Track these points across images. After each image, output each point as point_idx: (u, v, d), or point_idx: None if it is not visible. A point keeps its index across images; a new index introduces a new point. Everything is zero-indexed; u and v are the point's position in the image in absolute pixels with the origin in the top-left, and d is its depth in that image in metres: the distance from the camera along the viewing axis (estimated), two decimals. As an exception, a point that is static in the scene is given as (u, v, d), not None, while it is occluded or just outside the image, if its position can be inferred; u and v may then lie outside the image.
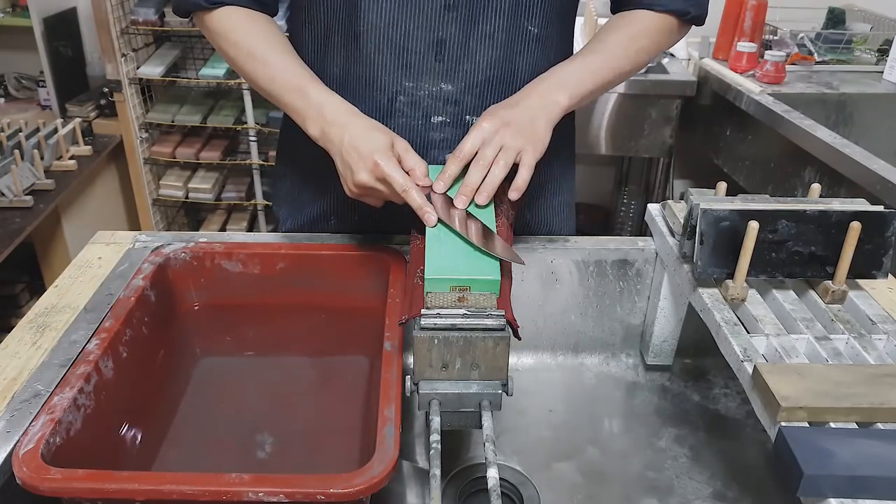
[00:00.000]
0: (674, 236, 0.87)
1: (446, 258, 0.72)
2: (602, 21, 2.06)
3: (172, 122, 2.49)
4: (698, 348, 1.00)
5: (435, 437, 0.64)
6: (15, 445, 0.62)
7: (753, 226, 0.72)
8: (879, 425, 0.59)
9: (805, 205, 0.76)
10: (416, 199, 0.77)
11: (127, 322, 0.78)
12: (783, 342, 0.69)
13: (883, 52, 2.16)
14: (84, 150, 2.33)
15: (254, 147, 2.48)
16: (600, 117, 2.11)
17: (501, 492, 0.61)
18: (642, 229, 2.51)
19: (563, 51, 0.96)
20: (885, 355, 0.68)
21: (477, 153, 0.80)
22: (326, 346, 0.91)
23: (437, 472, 0.60)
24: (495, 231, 0.76)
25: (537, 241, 0.98)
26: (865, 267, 0.76)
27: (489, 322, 0.65)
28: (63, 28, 2.56)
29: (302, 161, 1.02)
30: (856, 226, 0.73)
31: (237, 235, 0.98)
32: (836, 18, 2.27)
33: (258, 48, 0.87)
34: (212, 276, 0.91)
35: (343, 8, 0.88)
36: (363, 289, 0.91)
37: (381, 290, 0.85)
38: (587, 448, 0.88)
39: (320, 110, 0.82)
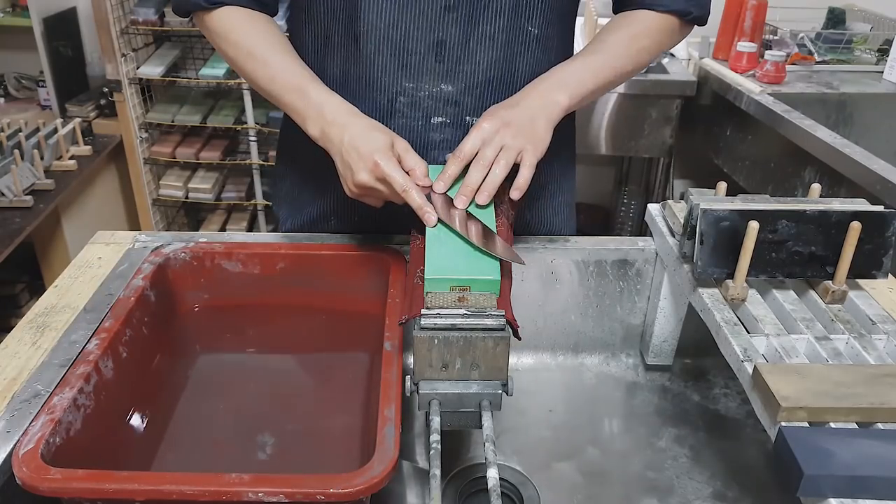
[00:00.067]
0: (674, 236, 0.87)
1: (446, 258, 0.72)
2: (602, 21, 2.06)
3: (172, 122, 2.49)
4: (698, 348, 0.99)
5: (435, 437, 0.64)
6: (15, 445, 0.62)
7: (753, 226, 0.72)
8: (879, 425, 0.59)
9: (805, 205, 0.76)
10: (416, 199, 0.77)
11: (127, 322, 0.78)
12: (783, 342, 0.69)
13: (883, 52, 2.16)
14: (84, 150, 2.33)
15: (254, 147, 2.48)
16: (600, 117, 2.11)
17: (501, 492, 0.61)
18: (642, 229, 2.51)
19: (564, 51, 0.96)
20: (885, 355, 0.68)
21: (477, 153, 0.80)
22: (326, 346, 0.91)
23: (437, 472, 0.60)
24: (495, 231, 0.76)
25: (537, 241, 0.98)
26: (865, 267, 0.76)
27: (489, 322, 0.65)
28: (63, 28, 2.56)
29: (302, 161, 1.02)
30: (856, 226, 0.73)
31: (237, 235, 0.98)
32: (836, 18, 2.27)
33: (258, 48, 0.87)
34: (212, 276, 0.91)
35: (343, 9, 0.88)
36: (363, 289, 0.91)
37: (381, 290, 0.85)
38: (587, 448, 0.88)
39: (320, 110, 0.82)
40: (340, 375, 0.86)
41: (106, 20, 2.30)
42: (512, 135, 0.79)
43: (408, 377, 0.68)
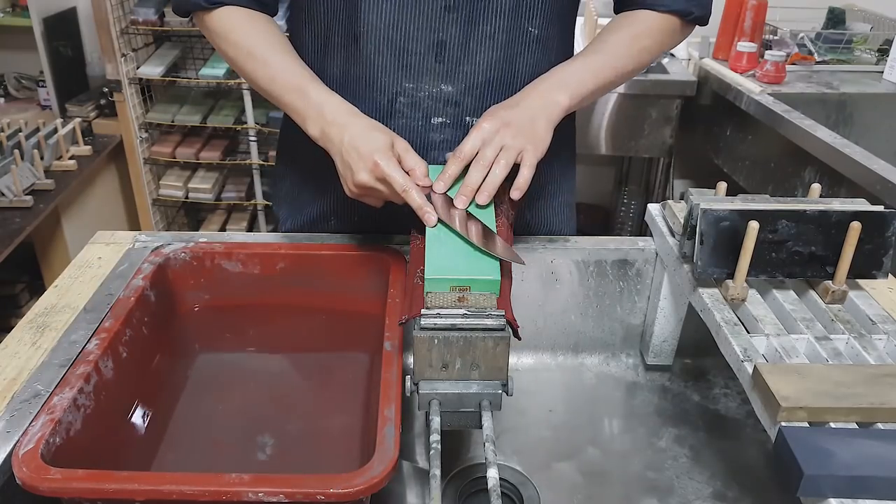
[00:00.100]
0: (674, 236, 0.87)
1: (446, 258, 0.72)
2: (602, 21, 2.06)
3: (172, 122, 2.49)
4: (698, 348, 0.99)
5: (435, 437, 0.64)
6: (15, 445, 0.62)
7: (753, 226, 0.72)
8: (879, 425, 0.59)
9: (805, 205, 0.76)
10: (416, 199, 0.76)
11: (127, 322, 0.78)
12: (783, 342, 0.69)
13: (883, 52, 2.16)
14: (84, 150, 2.33)
15: (254, 147, 2.48)
16: (600, 117, 2.11)
17: (501, 492, 0.61)
18: (642, 229, 2.51)
19: (564, 52, 0.96)
20: (885, 355, 0.68)
21: (477, 153, 0.80)
22: (326, 346, 0.91)
23: (437, 472, 0.60)
24: (495, 231, 0.76)
25: (537, 241, 0.98)
26: (865, 267, 0.76)
27: (489, 322, 0.65)
28: (63, 28, 2.56)
29: (302, 161, 1.02)
30: (856, 226, 0.73)
31: (237, 235, 0.98)
32: (836, 18, 2.27)
33: (258, 48, 0.87)
34: (212, 276, 0.91)
35: (343, 9, 0.88)
36: (363, 289, 0.91)
37: (381, 290, 0.85)
38: (587, 448, 0.88)
39: (320, 110, 0.82)
40: (340, 375, 0.86)
41: (106, 20, 2.30)
42: (512, 135, 0.79)
43: (408, 377, 0.68)
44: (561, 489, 0.83)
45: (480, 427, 0.66)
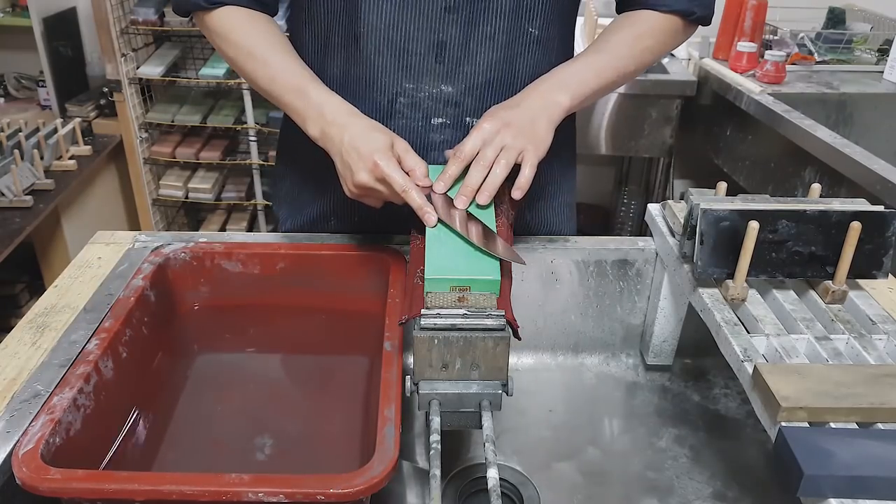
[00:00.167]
0: (674, 236, 0.87)
1: (446, 258, 0.72)
2: (602, 21, 2.06)
3: (172, 121, 2.49)
4: (698, 348, 0.99)
5: (435, 437, 0.64)
6: (14, 445, 0.62)
7: (753, 226, 0.72)
8: (879, 425, 0.59)
9: (805, 205, 0.76)
10: (415, 199, 0.76)
11: (127, 322, 0.78)
12: (783, 342, 0.69)
13: (883, 52, 2.16)
14: (84, 150, 2.33)
15: (254, 147, 2.48)
16: (600, 117, 2.11)
17: (501, 492, 0.61)
18: (642, 229, 2.51)
19: (564, 52, 0.96)
20: (886, 355, 0.68)
21: (478, 153, 0.79)
22: (326, 347, 0.91)
23: (437, 472, 0.60)
24: (496, 231, 0.76)
25: (537, 241, 0.98)
26: (866, 267, 0.76)
27: (489, 322, 0.65)
28: (63, 28, 2.56)
29: (302, 161, 1.02)
30: (856, 226, 0.73)
31: (237, 235, 0.98)
32: (836, 18, 2.27)
33: (258, 48, 0.87)
34: (212, 276, 0.91)
35: (343, 9, 0.88)
36: (363, 289, 0.91)
37: (381, 290, 0.85)
38: (587, 448, 0.88)
39: (320, 110, 0.82)
40: (340, 375, 0.86)
41: (106, 20, 2.30)
42: (513, 135, 0.79)
43: (408, 377, 0.68)
44: (561, 489, 0.83)
45: (480, 427, 0.66)
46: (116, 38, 2.32)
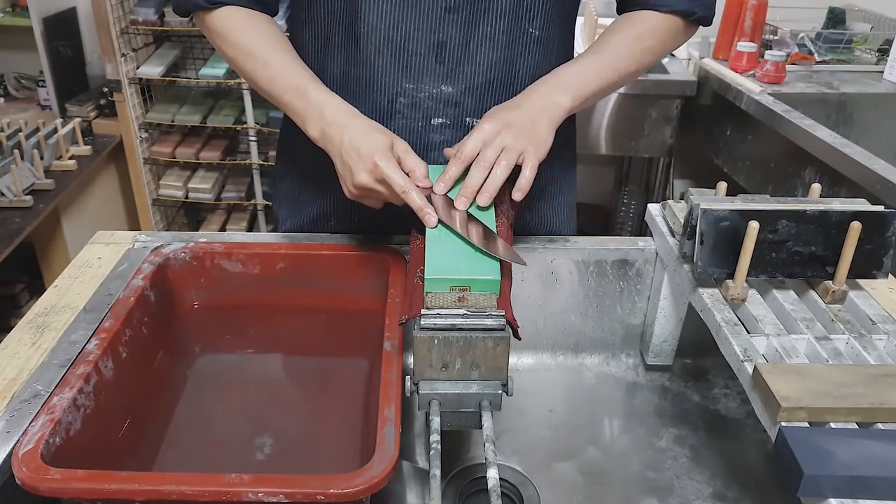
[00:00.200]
0: (674, 236, 0.87)
1: (446, 258, 0.72)
2: (602, 21, 2.06)
3: (172, 121, 2.49)
4: (698, 348, 0.99)
5: (435, 437, 0.64)
6: (14, 445, 0.62)
7: (753, 226, 0.72)
8: (879, 425, 0.59)
9: (805, 205, 0.76)
10: (416, 200, 0.76)
11: (127, 322, 0.78)
12: (783, 342, 0.69)
13: (883, 52, 2.16)
14: (84, 149, 2.33)
15: (254, 147, 2.48)
16: (600, 117, 2.11)
17: (501, 492, 0.61)
18: (642, 229, 2.51)
19: (564, 53, 0.96)
20: (886, 355, 0.68)
21: (478, 154, 0.79)
22: (326, 347, 0.91)
23: (437, 472, 0.60)
24: (496, 232, 0.76)
25: (537, 241, 0.98)
26: (866, 267, 0.76)
27: (489, 322, 0.65)
28: (63, 28, 2.56)
29: (302, 161, 1.02)
30: (856, 226, 0.73)
31: (237, 235, 0.98)
32: (836, 18, 2.27)
33: (258, 48, 0.87)
34: (212, 276, 0.91)
35: (343, 9, 0.88)
36: (363, 289, 0.91)
37: (381, 290, 0.85)
38: (587, 448, 0.88)
39: (320, 111, 0.82)
40: (340, 375, 0.86)
41: (106, 20, 2.30)
42: (513, 136, 0.79)
43: (408, 377, 0.68)
44: (561, 489, 0.83)
45: (480, 427, 0.66)
46: (116, 38, 2.32)
